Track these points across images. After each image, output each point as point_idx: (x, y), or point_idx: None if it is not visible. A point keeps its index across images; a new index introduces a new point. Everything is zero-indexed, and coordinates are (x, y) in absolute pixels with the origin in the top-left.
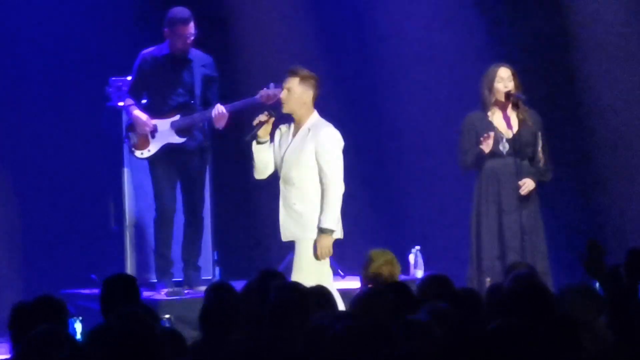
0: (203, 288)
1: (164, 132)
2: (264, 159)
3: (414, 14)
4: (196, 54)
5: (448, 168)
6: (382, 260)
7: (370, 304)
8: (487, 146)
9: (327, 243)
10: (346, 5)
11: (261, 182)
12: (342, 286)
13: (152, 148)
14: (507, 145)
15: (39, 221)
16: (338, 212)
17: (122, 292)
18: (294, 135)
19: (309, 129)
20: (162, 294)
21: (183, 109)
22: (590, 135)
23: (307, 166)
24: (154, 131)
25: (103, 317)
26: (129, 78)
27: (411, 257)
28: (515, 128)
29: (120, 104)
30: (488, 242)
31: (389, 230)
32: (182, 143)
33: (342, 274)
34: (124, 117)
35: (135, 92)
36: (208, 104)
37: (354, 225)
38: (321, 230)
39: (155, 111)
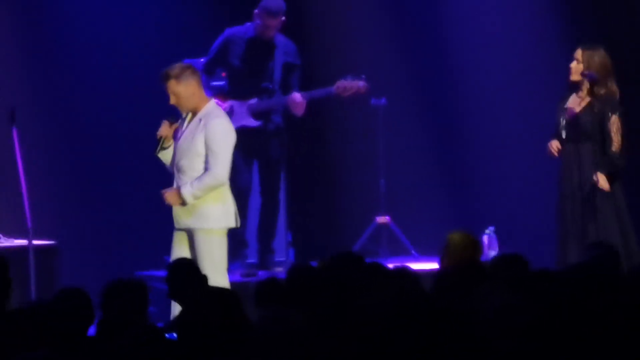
0: (277, 269)
1: (240, 114)
2: (168, 159)
3: None
4: (280, 40)
5: (523, 148)
6: (464, 243)
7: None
8: (551, 154)
9: (172, 198)
10: None
11: (334, 165)
12: (416, 267)
13: None
14: (565, 131)
15: (116, 205)
16: (201, 194)
17: (186, 275)
18: (188, 124)
19: (201, 119)
20: (236, 276)
21: (261, 92)
22: None
23: (196, 154)
24: (230, 113)
25: (170, 299)
26: (202, 60)
27: (485, 238)
28: (579, 112)
29: None
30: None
31: (463, 210)
32: (259, 126)
33: (415, 254)
34: None
35: (210, 69)
36: (288, 90)
37: (427, 206)
38: (179, 189)
39: (233, 92)
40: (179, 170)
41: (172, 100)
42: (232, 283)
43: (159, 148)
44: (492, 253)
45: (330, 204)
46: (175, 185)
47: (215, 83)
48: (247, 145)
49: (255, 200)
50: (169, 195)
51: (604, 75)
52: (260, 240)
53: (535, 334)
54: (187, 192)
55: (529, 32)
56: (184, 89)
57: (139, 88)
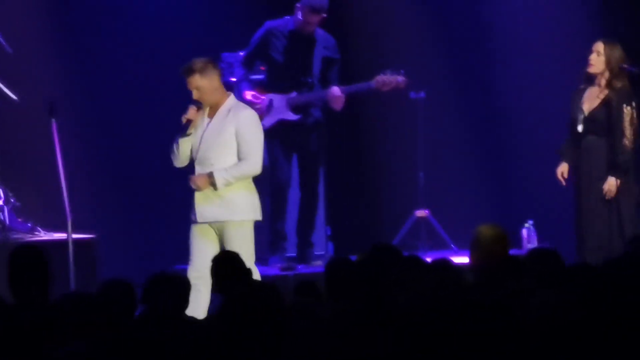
0: (316, 263)
1: (280, 107)
2: (187, 149)
3: None
4: (320, 35)
5: (563, 141)
6: (492, 236)
7: (484, 278)
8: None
9: (201, 183)
10: None
11: (373, 159)
12: (456, 261)
13: (267, 122)
14: (582, 125)
15: (154, 198)
16: (233, 181)
17: (229, 268)
18: (211, 117)
19: (229, 110)
20: (275, 269)
21: (301, 86)
22: None
23: (225, 146)
24: (269, 106)
25: (214, 292)
26: (241, 53)
27: (524, 232)
28: (597, 105)
29: (233, 79)
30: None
31: (502, 203)
32: (298, 120)
33: (454, 248)
34: (236, 93)
35: (249, 62)
36: (327, 85)
37: (467, 200)
38: (211, 174)
39: (272, 86)
40: (203, 163)
41: (196, 95)
42: (271, 276)
43: (186, 133)
44: (531, 246)
45: (370, 197)
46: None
47: (254, 77)
48: (286, 139)
49: (294, 194)
50: (199, 180)
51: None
52: (299, 234)
53: (573, 330)
54: (220, 177)
55: (569, 25)
56: (208, 82)
57: (175, 82)
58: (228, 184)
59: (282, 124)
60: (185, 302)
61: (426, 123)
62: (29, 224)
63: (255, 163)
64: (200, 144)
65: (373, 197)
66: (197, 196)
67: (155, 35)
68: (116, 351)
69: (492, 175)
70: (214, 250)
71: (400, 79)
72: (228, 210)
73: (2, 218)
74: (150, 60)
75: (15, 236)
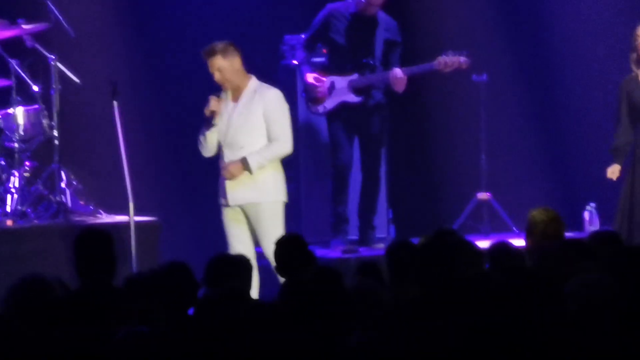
0: (378, 246)
1: (341, 89)
2: (214, 139)
3: None
4: (382, 17)
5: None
6: (546, 219)
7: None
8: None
9: (236, 170)
10: None
11: (435, 142)
12: (518, 244)
13: (328, 104)
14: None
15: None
16: (266, 163)
17: (294, 251)
18: (236, 100)
19: (255, 92)
20: (337, 252)
21: (362, 68)
22: None
23: (254, 127)
24: (331, 88)
25: (278, 275)
26: (303, 36)
27: (586, 214)
28: None
29: (295, 62)
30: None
31: (564, 186)
32: (359, 102)
33: (516, 230)
34: (298, 76)
35: (310, 44)
36: (388, 67)
37: (529, 182)
38: (244, 159)
39: (334, 68)
40: (232, 146)
41: (217, 77)
42: (333, 259)
43: (211, 125)
44: (593, 229)
45: (431, 180)
46: (225, 164)
47: (316, 59)
48: (348, 122)
49: (356, 177)
50: (234, 168)
51: None
52: (361, 216)
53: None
54: (254, 161)
55: (632, 6)
56: (229, 64)
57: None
58: (261, 167)
59: (343, 106)
60: (248, 283)
61: (488, 106)
62: (91, 207)
63: (286, 143)
64: (227, 128)
65: (435, 179)
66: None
67: (217, 18)
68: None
69: (554, 158)
70: (248, 233)
71: (462, 59)
72: (260, 192)
73: (64, 201)
74: (209, 41)
75: (77, 219)
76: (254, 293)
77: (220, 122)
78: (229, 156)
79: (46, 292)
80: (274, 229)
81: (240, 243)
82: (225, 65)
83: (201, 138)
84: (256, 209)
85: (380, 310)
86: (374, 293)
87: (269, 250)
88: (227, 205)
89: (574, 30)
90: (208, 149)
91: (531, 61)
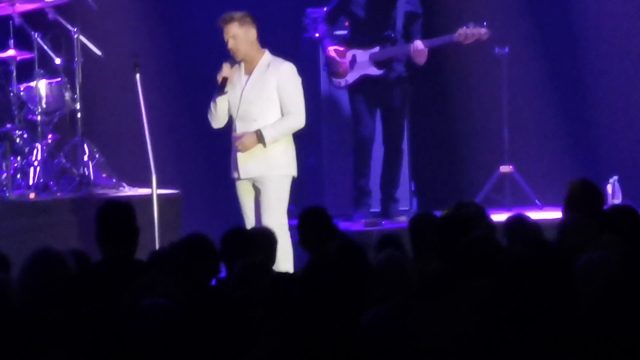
0: (401, 219)
1: (363, 63)
2: (224, 108)
3: None
4: None
5: None
6: (583, 191)
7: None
8: None
9: (250, 143)
10: None
11: (457, 114)
12: (540, 217)
13: (350, 78)
14: None
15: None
16: (280, 137)
17: (318, 224)
18: (249, 73)
19: (268, 65)
20: (359, 225)
21: (383, 41)
22: None
23: (268, 100)
24: (352, 61)
25: (302, 248)
26: (324, 9)
27: (609, 187)
28: None
29: (317, 35)
30: None
31: (587, 159)
32: (381, 75)
33: (539, 203)
34: (319, 49)
35: (332, 18)
36: (409, 39)
37: (551, 155)
38: (259, 132)
39: (355, 41)
40: (245, 119)
41: (231, 44)
42: (356, 232)
43: (223, 92)
44: (616, 202)
45: (454, 153)
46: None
47: (338, 32)
48: (369, 95)
49: (378, 150)
50: (248, 139)
51: None
52: (383, 189)
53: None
54: (269, 134)
55: None
56: (245, 33)
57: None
58: (275, 141)
59: (365, 80)
60: (272, 256)
61: (510, 78)
62: (114, 179)
63: (300, 116)
64: (240, 100)
65: (457, 152)
66: (241, 152)
67: None
68: (199, 306)
69: (577, 131)
70: (258, 205)
71: (483, 31)
72: (270, 165)
73: (86, 173)
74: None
75: (100, 192)
76: (289, 265)
77: (232, 95)
78: (241, 129)
79: (57, 266)
80: (278, 201)
81: (253, 215)
82: (240, 33)
83: (212, 106)
84: (265, 182)
85: (407, 283)
86: (401, 265)
87: (270, 222)
88: (239, 178)
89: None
90: (218, 117)
91: (553, 33)
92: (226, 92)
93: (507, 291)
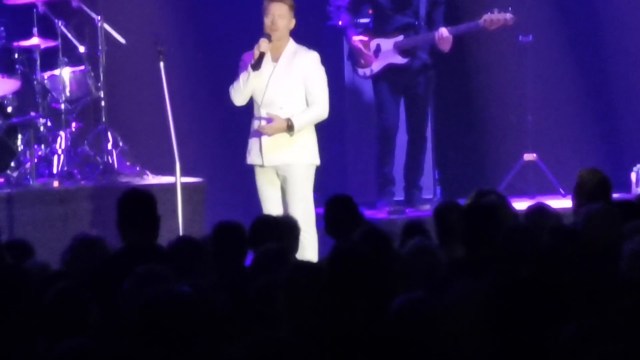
0: (424, 207)
1: (387, 52)
2: (252, 86)
3: None
4: None
5: None
6: (595, 180)
7: (602, 221)
8: None
9: (281, 128)
10: None
11: (481, 102)
12: (563, 205)
13: (375, 67)
14: None
15: None
16: (305, 126)
17: (344, 212)
18: (275, 60)
19: (294, 53)
20: (383, 213)
21: (407, 29)
22: None
23: (295, 88)
24: (377, 50)
25: (328, 236)
26: None
27: (633, 175)
28: None
29: (340, 23)
30: None
31: (611, 147)
32: (405, 63)
33: (562, 192)
34: (343, 38)
35: (355, 6)
36: (433, 26)
37: (575, 143)
38: (289, 120)
39: (379, 30)
40: (270, 106)
41: (274, 21)
42: (379, 220)
43: (259, 65)
44: None
45: (478, 141)
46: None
47: (361, 20)
48: (393, 83)
49: (402, 138)
50: (279, 124)
51: None
52: (407, 177)
53: None
54: (298, 123)
55: None
56: (289, 18)
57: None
58: (300, 130)
59: (390, 68)
60: (295, 244)
61: (534, 66)
62: (137, 168)
63: (325, 106)
64: (267, 87)
65: (481, 140)
66: (265, 140)
67: None
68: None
69: (601, 119)
70: (280, 194)
71: (508, 16)
72: (297, 154)
73: (110, 161)
74: (259, 3)
75: (124, 180)
76: (313, 254)
77: (258, 80)
78: (265, 116)
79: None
80: (303, 190)
81: (274, 206)
82: (286, 16)
83: (241, 79)
84: (291, 170)
85: (436, 271)
86: (432, 253)
87: (296, 211)
88: (261, 165)
89: None
90: (244, 93)
91: (578, 21)
92: (259, 69)
93: (534, 276)
